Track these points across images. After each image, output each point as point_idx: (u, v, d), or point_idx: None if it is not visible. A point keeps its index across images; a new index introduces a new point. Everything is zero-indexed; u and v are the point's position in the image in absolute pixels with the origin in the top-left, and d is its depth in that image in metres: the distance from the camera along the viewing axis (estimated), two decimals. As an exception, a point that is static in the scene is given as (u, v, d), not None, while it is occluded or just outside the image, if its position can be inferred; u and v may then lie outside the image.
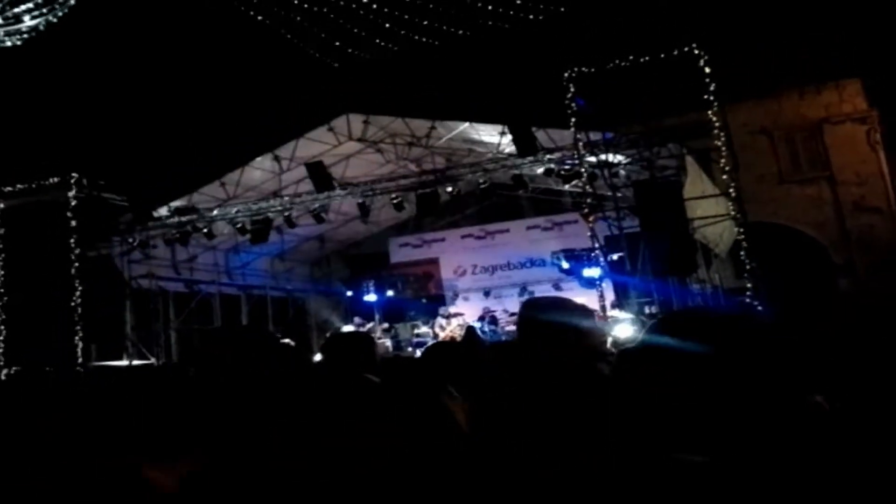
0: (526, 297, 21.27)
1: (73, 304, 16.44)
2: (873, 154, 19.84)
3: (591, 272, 17.15)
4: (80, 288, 16.55)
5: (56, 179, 16.34)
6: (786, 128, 20.63)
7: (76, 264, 16.55)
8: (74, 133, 19.00)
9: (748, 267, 14.35)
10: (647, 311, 18.21)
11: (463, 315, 21.04)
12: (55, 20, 13.11)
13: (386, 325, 20.96)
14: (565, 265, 20.08)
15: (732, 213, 14.66)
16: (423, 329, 20.29)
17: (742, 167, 16.11)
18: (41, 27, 13.11)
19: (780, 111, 20.54)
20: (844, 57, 19.41)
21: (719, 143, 14.41)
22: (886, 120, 19.73)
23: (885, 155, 19.73)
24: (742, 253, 14.54)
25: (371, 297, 22.29)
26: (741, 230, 14.63)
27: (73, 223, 16.46)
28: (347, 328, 18.94)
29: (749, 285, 14.28)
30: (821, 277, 19.36)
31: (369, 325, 20.53)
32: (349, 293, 23.79)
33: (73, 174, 16.37)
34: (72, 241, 16.42)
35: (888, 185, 19.69)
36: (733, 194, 14.54)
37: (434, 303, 22.64)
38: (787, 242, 19.38)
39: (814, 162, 20.53)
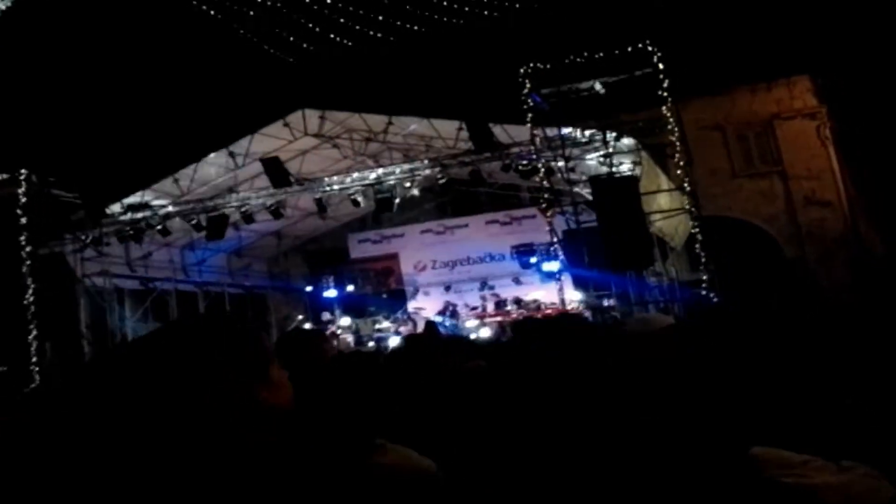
0: (486, 291, 21.45)
1: (25, 302, 16.11)
2: (823, 149, 20.21)
3: (550, 266, 17.38)
4: (32, 286, 16.21)
5: (5, 176, 15.97)
6: (738, 123, 20.94)
7: (27, 262, 16.22)
8: (24, 128, 18.56)
9: (703, 260, 14.56)
10: (605, 303, 18.43)
11: (424, 309, 21.12)
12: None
13: (347, 320, 20.91)
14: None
15: (687, 207, 14.84)
16: (385, 324, 20.27)
17: (696, 162, 16.34)
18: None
19: (732, 107, 20.84)
20: (794, 54, 19.75)
21: (674, 139, 14.57)
22: (835, 115, 20.11)
23: (835, 150, 20.12)
24: (697, 246, 14.74)
25: (331, 293, 22.25)
26: (696, 224, 14.82)
27: (24, 220, 16.10)
28: (308, 325, 18.89)
29: (704, 278, 14.48)
30: (773, 270, 19.70)
31: (328, 318, 20.56)
32: (309, 289, 23.70)
33: (23, 170, 16.01)
34: (22, 238, 16.07)
35: (837, 180, 20.08)
36: (688, 189, 14.74)
37: (395, 298, 22.65)
38: (740, 236, 19.68)
39: (765, 157, 20.87)
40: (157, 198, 18.38)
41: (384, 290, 23.11)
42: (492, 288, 21.73)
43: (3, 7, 13.47)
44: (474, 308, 21.04)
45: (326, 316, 20.92)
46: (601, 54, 14.11)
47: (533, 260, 20.35)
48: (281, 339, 4.57)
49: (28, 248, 16.28)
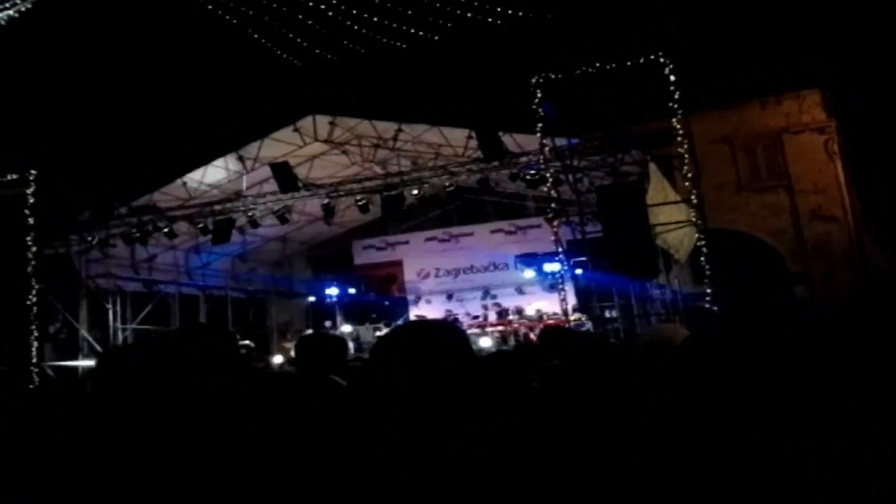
0: (489, 300, 21.46)
1: (28, 302, 16.06)
2: (831, 164, 20.21)
3: (552, 266, 17.40)
4: (36, 286, 16.17)
5: (14, 176, 15.96)
6: (746, 137, 20.94)
7: (33, 262, 16.19)
8: (34, 129, 18.59)
9: (707, 273, 14.55)
10: (607, 314, 18.42)
11: (425, 318, 21.10)
12: (17, 15, 12.80)
13: (348, 327, 20.90)
14: (529, 274, 20.44)
15: (693, 219, 14.85)
16: (385, 332, 20.17)
17: (703, 175, 16.35)
18: (2, 23, 12.78)
19: (741, 120, 20.84)
20: (805, 68, 19.75)
21: (682, 151, 14.58)
22: (844, 130, 20.13)
23: (842, 165, 20.13)
24: (702, 259, 14.72)
25: (333, 299, 22.27)
26: (701, 236, 14.81)
27: (31, 220, 16.08)
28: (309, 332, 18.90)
29: (708, 291, 14.48)
30: (777, 285, 19.71)
31: (329, 325, 20.57)
32: (311, 295, 23.73)
33: (32, 171, 16.01)
34: (29, 238, 16.04)
35: (844, 195, 20.08)
36: (694, 201, 14.72)
37: (397, 305, 22.66)
38: (745, 250, 19.69)
39: (773, 171, 20.88)
40: (165, 200, 18.40)
41: (386, 297, 23.12)
42: (494, 297, 21.71)
43: (17, 12, 13.50)
44: (476, 317, 21.02)
45: (328, 323, 20.92)
46: (613, 65, 14.15)
47: (529, 274, 20.53)
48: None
49: (34, 249, 16.24)
